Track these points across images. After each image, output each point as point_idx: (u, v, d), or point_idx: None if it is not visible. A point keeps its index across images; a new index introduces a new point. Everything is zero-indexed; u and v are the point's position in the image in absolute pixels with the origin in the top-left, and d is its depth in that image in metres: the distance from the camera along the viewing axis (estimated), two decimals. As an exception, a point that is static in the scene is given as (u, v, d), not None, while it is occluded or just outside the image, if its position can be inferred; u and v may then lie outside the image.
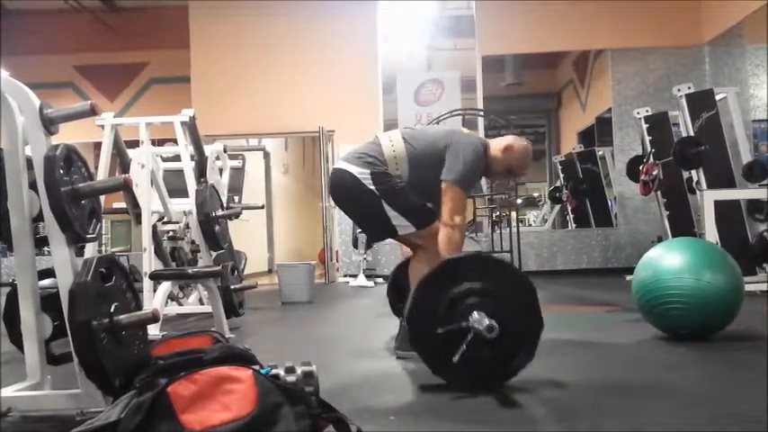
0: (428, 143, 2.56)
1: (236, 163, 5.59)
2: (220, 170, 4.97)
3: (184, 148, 4.03)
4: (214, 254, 3.94)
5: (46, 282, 1.87)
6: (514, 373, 1.97)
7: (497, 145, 2.63)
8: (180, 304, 4.42)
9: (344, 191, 2.58)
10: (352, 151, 2.66)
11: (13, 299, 1.93)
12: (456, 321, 1.94)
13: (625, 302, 4.03)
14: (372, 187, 2.48)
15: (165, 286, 3.51)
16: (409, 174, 2.54)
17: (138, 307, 1.89)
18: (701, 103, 5.11)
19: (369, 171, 2.49)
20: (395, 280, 2.98)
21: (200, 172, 4.22)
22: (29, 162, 1.72)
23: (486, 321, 1.87)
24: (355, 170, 2.51)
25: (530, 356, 1.96)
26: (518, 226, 7.49)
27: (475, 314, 1.92)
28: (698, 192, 5.02)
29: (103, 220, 3.94)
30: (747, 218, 4.95)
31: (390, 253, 6.84)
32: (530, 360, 1.97)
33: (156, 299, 3.44)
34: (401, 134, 2.61)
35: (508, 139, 2.66)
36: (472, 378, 1.96)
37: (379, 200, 2.48)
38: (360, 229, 6.31)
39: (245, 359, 1.42)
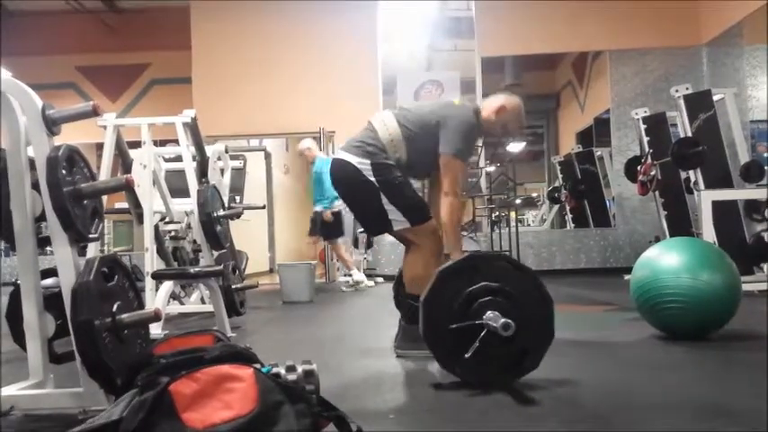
0: (422, 122, 2.57)
1: (238, 163, 5.60)
2: (222, 170, 4.97)
3: (186, 149, 4.05)
4: (216, 253, 3.96)
5: (48, 281, 1.88)
6: (519, 376, 2.01)
7: (490, 107, 2.63)
8: (182, 303, 4.43)
9: (345, 182, 2.59)
10: (350, 140, 2.65)
11: (15, 298, 1.95)
12: (470, 318, 1.96)
13: (623, 302, 4.04)
14: (372, 178, 2.49)
15: (167, 285, 3.53)
16: (407, 154, 2.56)
17: (141, 306, 1.91)
18: (699, 103, 5.13)
19: (369, 161, 2.50)
20: (401, 276, 2.99)
21: (202, 172, 4.23)
22: (31, 162, 1.73)
23: (502, 319, 1.91)
24: (355, 160, 2.51)
25: (535, 363, 2.00)
26: (517, 226, 7.51)
27: (489, 312, 1.95)
28: (696, 192, 5.03)
29: (105, 220, 3.94)
30: (745, 218, 4.97)
31: (390, 252, 6.85)
32: (534, 367, 2.00)
33: (158, 298, 3.46)
34: (395, 117, 2.60)
35: (500, 100, 2.65)
36: (480, 375, 1.99)
37: (378, 192, 2.50)
38: (361, 229, 6.33)
39: (246, 358, 1.43)
